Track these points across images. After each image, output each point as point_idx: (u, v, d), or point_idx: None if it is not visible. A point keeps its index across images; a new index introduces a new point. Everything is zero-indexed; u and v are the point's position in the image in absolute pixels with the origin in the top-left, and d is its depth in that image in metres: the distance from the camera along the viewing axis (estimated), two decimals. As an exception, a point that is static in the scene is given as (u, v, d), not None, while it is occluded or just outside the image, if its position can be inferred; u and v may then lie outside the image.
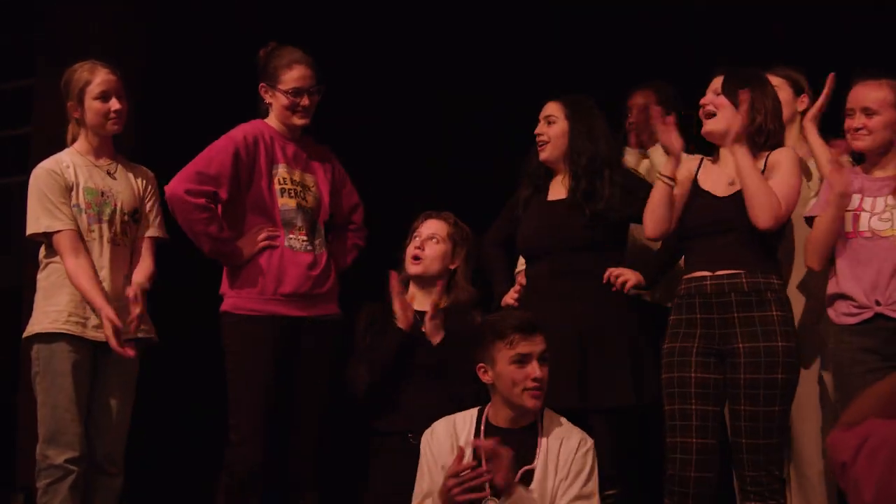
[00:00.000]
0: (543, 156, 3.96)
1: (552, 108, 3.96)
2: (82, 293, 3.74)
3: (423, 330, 3.93)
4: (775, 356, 3.42)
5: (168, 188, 3.79)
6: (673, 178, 3.59)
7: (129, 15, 5.78)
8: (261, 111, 4.01)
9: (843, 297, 3.56)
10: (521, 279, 4.04)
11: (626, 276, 3.83)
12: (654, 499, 3.74)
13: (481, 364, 3.39)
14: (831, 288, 3.60)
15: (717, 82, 3.62)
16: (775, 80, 3.75)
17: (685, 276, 3.61)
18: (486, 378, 3.38)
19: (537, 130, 3.97)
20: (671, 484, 3.51)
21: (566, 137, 3.92)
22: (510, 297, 3.99)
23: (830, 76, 3.78)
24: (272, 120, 3.96)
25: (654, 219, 3.61)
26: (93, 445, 3.80)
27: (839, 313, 3.57)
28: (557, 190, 3.97)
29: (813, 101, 3.92)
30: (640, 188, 3.88)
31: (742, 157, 3.49)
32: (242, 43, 4.14)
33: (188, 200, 3.75)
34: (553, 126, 3.94)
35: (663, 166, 3.67)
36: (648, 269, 3.91)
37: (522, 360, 3.30)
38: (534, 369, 3.29)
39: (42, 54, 5.69)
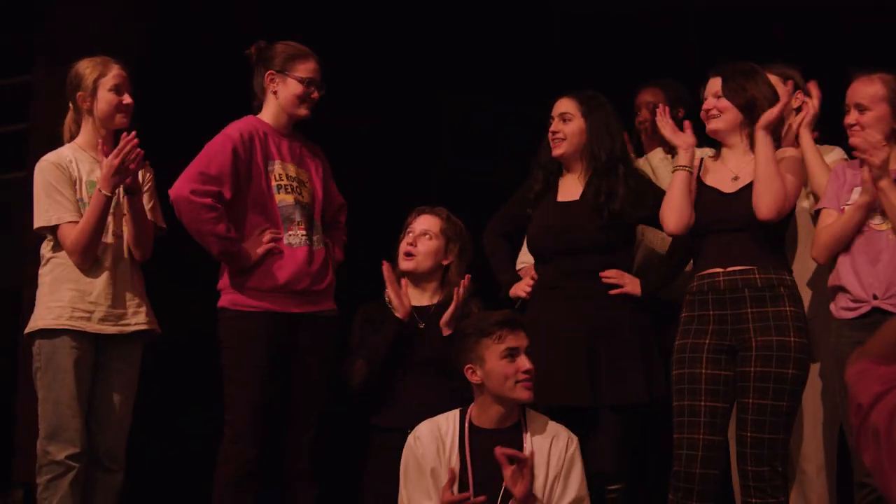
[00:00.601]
0: (558, 152, 3.92)
1: (567, 105, 3.92)
2: (85, 224, 3.74)
3: (421, 326, 3.93)
4: (787, 351, 3.43)
5: (172, 191, 3.77)
6: (690, 166, 3.60)
7: (129, 15, 5.79)
8: (253, 107, 4.03)
9: (841, 290, 3.57)
10: (534, 273, 4.01)
11: (620, 281, 3.83)
12: (657, 495, 3.74)
13: (469, 365, 3.39)
14: (831, 281, 3.62)
15: (716, 84, 3.63)
16: (771, 78, 3.76)
17: (697, 273, 3.61)
18: (475, 378, 3.39)
19: (553, 128, 3.92)
20: (676, 480, 3.51)
21: (583, 135, 3.90)
22: (521, 290, 3.97)
23: (812, 84, 3.81)
24: (267, 115, 3.96)
25: (676, 211, 3.59)
26: (94, 441, 3.81)
27: (839, 307, 3.58)
28: (568, 189, 3.95)
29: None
30: (648, 189, 3.89)
31: (765, 146, 3.50)
32: (242, 43, 4.15)
33: (195, 201, 3.74)
34: (569, 123, 3.90)
35: (678, 157, 3.66)
36: (648, 281, 3.90)
37: (512, 354, 3.32)
38: (524, 362, 3.31)
39: (42, 54, 5.70)
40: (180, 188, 3.76)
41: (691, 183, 3.61)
